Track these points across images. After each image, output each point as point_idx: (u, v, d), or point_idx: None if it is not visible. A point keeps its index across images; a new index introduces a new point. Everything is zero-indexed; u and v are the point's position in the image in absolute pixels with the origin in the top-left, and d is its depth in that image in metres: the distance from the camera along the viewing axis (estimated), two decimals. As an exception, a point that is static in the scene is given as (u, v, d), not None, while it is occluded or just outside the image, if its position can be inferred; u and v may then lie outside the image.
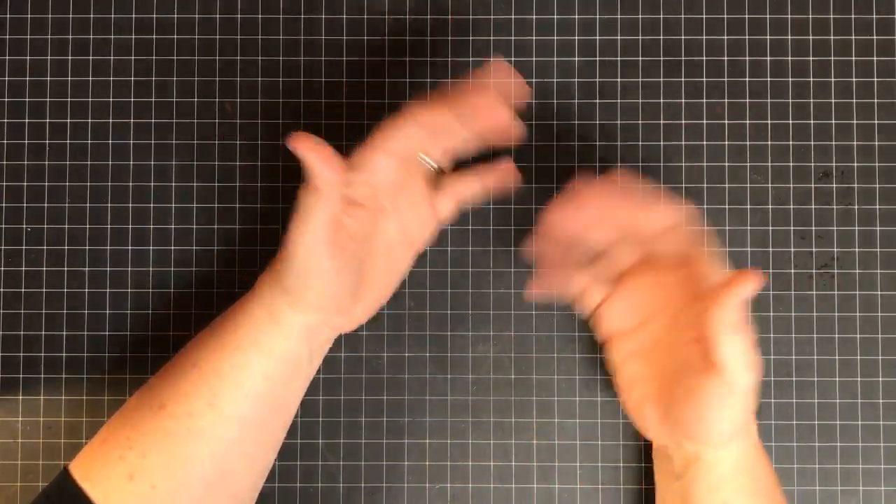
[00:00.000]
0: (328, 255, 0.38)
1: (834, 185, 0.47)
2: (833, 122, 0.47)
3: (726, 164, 0.47)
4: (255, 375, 0.39)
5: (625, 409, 0.44)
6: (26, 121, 0.47)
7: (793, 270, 0.47)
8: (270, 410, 0.40)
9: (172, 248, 0.47)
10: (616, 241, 0.41)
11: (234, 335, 0.39)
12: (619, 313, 0.43)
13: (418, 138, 0.39)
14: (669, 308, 0.41)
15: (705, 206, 0.47)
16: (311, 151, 0.37)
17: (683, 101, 0.47)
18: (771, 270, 0.47)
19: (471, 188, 0.44)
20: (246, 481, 0.40)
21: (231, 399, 0.38)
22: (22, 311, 0.47)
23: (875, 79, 0.47)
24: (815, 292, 0.46)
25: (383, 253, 0.42)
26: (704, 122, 0.47)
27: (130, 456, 0.38)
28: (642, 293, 0.42)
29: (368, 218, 0.40)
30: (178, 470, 0.38)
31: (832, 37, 0.47)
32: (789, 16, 0.47)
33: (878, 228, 0.47)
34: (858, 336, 0.46)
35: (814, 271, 0.47)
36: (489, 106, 0.38)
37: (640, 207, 0.39)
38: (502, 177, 0.44)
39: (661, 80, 0.47)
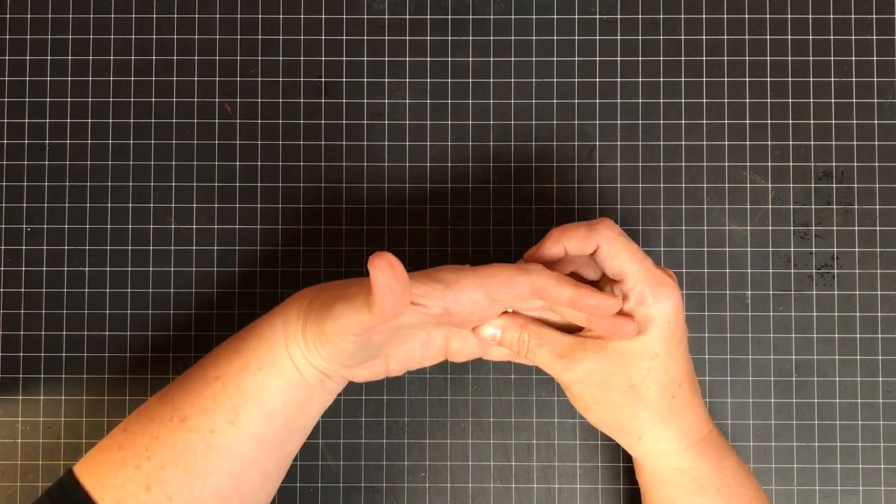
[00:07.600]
0: (355, 346, 0.37)
1: (834, 185, 0.47)
2: (833, 122, 0.47)
3: (726, 164, 0.47)
4: (275, 396, 0.39)
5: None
6: (26, 121, 0.47)
7: (793, 270, 0.47)
8: (287, 432, 0.40)
9: (172, 248, 0.47)
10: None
11: (258, 353, 0.39)
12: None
13: (522, 297, 0.37)
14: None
15: (705, 206, 0.47)
16: (385, 286, 0.32)
17: (683, 101, 0.47)
18: (771, 270, 0.47)
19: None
20: (260, 498, 0.40)
21: (252, 418, 0.38)
22: (22, 311, 0.47)
23: (875, 79, 0.47)
24: (815, 292, 0.46)
25: (419, 345, 0.40)
26: (704, 122, 0.47)
27: (148, 466, 0.37)
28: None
29: (419, 321, 0.37)
30: (196, 484, 0.38)
31: (832, 37, 0.47)
32: (789, 16, 0.47)
33: (877, 228, 0.47)
34: (858, 336, 0.46)
35: (814, 271, 0.47)
36: (604, 312, 0.36)
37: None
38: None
39: (661, 80, 0.47)
